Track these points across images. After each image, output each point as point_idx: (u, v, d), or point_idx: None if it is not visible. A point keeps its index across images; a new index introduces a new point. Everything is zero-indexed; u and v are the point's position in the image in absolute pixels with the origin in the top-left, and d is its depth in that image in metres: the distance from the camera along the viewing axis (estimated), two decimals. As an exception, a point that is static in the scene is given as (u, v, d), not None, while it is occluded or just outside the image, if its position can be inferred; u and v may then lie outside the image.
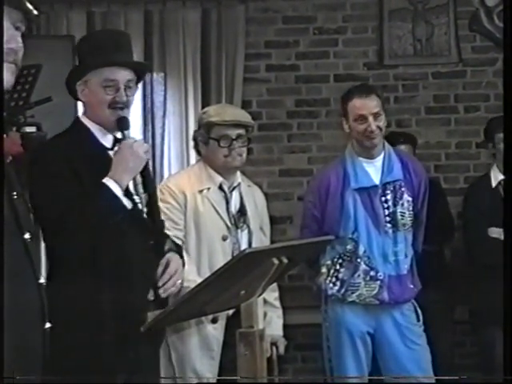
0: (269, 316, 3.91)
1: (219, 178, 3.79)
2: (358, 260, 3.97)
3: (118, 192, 2.88)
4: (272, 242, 4.02)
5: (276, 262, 2.52)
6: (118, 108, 3.00)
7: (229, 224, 3.76)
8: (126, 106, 3.03)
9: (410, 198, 4.03)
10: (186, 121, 5.53)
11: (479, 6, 5.66)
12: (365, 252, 3.96)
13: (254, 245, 3.77)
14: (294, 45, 5.69)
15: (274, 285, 3.69)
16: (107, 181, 2.88)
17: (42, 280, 2.02)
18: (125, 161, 2.92)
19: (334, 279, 4.02)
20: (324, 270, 4.04)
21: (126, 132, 3.02)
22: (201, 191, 3.76)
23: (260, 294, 2.63)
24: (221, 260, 3.49)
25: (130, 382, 2.97)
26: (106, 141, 3.05)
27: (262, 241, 3.90)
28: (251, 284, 2.56)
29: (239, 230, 3.80)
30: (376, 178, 4.02)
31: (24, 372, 1.84)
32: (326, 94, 5.67)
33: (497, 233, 4.44)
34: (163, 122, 5.54)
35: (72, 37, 5.23)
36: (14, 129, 3.57)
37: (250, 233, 3.83)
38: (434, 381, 4.00)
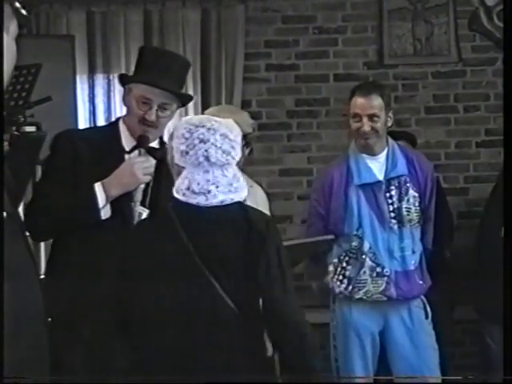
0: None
1: None
2: (364, 256, 3.96)
3: (101, 199, 3.00)
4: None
5: (275, 261, 2.53)
6: (146, 125, 3.12)
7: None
8: (155, 125, 3.13)
9: (417, 194, 4.03)
10: (185, 120, 5.53)
11: (479, 6, 5.64)
12: (370, 248, 3.96)
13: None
14: (294, 44, 5.69)
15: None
16: (97, 186, 3.01)
17: (42, 276, 2.03)
18: (121, 175, 3.05)
19: (340, 277, 4.01)
20: (331, 268, 4.04)
21: (141, 150, 3.12)
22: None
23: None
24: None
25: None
26: (128, 146, 3.17)
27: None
28: (250, 283, 2.57)
29: None
30: (380, 174, 4.01)
31: (37, 370, 1.85)
32: (326, 93, 5.67)
33: None
34: (163, 121, 5.53)
35: (72, 36, 5.24)
36: (14, 128, 3.56)
37: None
38: (440, 381, 4.00)
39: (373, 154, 4.02)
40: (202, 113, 4.04)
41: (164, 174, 3.17)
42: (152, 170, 3.10)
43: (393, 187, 4.01)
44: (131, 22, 5.54)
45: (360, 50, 5.69)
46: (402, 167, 4.03)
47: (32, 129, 3.69)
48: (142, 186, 3.12)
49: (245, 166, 3.94)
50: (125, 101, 3.23)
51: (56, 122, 4.09)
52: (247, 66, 5.63)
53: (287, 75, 5.70)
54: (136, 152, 3.14)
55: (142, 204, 3.11)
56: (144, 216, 3.09)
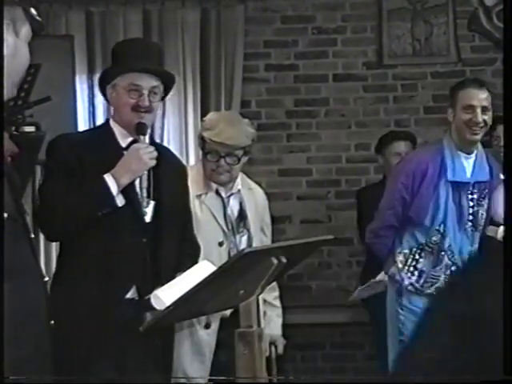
0: (268, 315, 3.89)
1: (215, 184, 3.75)
2: (442, 253, 3.95)
3: (114, 188, 3.04)
4: (271, 241, 4.01)
5: (275, 261, 2.52)
6: (141, 112, 3.15)
7: (225, 229, 3.71)
8: (149, 110, 3.17)
9: (490, 202, 3.98)
10: (185, 121, 5.53)
11: (478, 6, 5.66)
12: (449, 246, 3.95)
13: (254, 247, 3.75)
14: (293, 44, 5.69)
15: (274, 284, 3.67)
16: (107, 176, 3.04)
17: (46, 278, 2.04)
18: (128, 162, 3.08)
19: (411, 268, 3.98)
20: (400, 258, 4.00)
21: (142, 137, 3.16)
22: (199, 196, 3.72)
23: (259, 294, 2.63)
24: (217, 266, 3.48)
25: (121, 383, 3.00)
26: (124, 142, 3.20)
27: (262, 242, 3.86)
28: (250, 283, 2.56)
29: (238, 236, 3.76)
30: (469, 175, 4.00)
31: (36, 370, 1.85)
32: (325, 93, 5.67)
33: (492, 231, 4.42)
34: (162, 122, 5.53)
35: (71, 36, 5.24)
36: (13, 128, 3.57)
37: (249, 238, 3.79)
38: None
39: (469, 152, 4.01)
40: (202, 116, 4.03)
41: (161, 167, 3.19)
42: (156, 154, 3.13)
43: (476, 190, 3.97)
44: (130, 21, 5.54)
45: (359, 50, 5.70)
46: (486, 172, 4.01)
47: (31, 129, 3.70)
48: (145, 174, 3.14)
49: (244, 166, 3.95)
50: (112, 99, 3.24)
51: (55, 122, 4.10)
52: (246, 66, 5.63)
53: (286, 75, 5.70)
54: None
55: (140, 193, 3.14)
56: (152, 205, 3.12)
